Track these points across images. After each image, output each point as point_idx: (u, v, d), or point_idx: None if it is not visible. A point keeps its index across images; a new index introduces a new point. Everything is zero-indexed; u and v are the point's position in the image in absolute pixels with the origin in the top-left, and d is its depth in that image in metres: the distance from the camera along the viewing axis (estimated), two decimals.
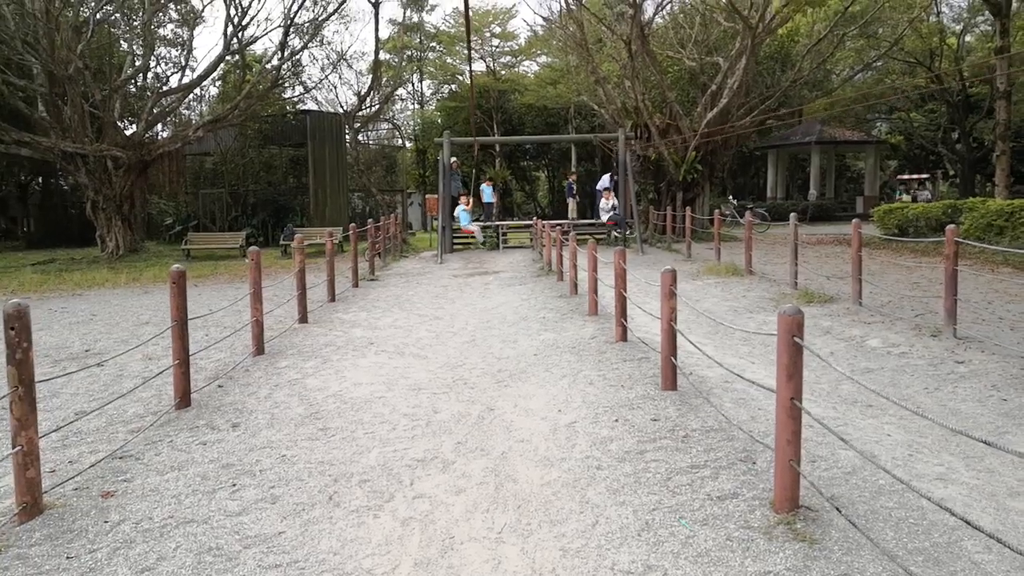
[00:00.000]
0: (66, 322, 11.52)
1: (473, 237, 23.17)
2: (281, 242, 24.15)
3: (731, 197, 26.56)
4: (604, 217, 22.98)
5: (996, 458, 4.85)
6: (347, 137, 32.28)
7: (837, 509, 3.85)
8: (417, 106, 48.80)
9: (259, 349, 8.61)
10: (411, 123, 48.02)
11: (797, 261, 12.90)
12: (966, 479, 4.57)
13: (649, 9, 35.02)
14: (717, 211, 19.17)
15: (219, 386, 7.21)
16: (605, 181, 24.75)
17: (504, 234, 24.64)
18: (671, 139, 23.68)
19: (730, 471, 4.62)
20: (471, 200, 23.64)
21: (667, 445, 5.16)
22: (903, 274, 13.87)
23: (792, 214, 13.59)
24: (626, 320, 8.68)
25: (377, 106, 34.46)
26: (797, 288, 12.34)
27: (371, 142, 40.99)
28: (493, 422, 5.87)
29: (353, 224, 17.06)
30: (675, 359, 6.46)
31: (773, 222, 25.13)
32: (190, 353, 6.66)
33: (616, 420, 5.76)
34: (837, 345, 8.53)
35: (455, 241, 24.13)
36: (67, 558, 3.79)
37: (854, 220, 11.09)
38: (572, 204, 28.05)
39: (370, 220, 19.57)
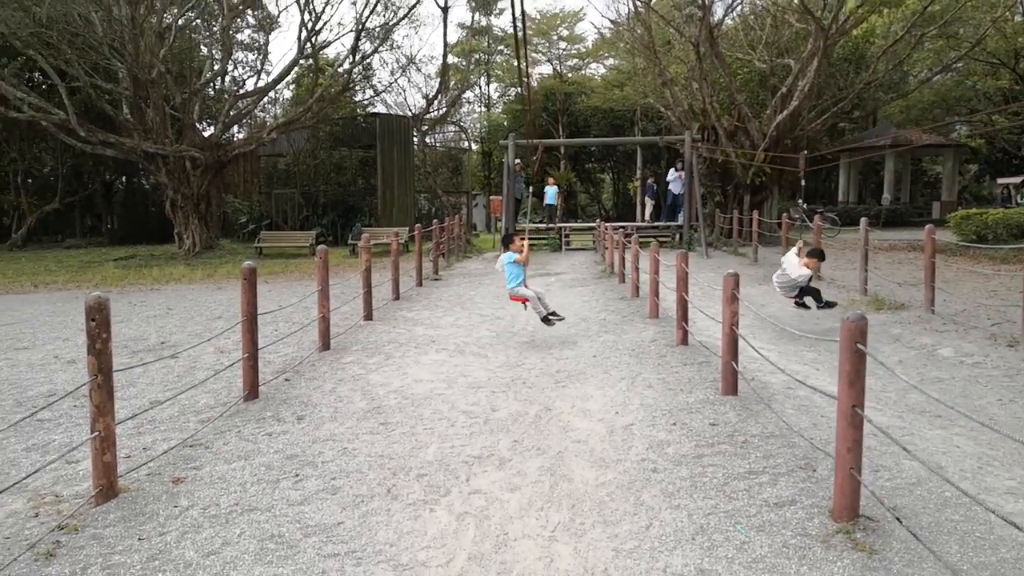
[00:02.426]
0: (144, 315, 12.01)
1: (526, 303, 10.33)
2: (349, 241, 24.65)
3: (801, 201, 25.97)
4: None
5: None
6: (414, 139, 32.74)
7: (898, 520, 3.76)
8: (483, 109, 49.14)
9: (325, 345, 8.83)
10: (477, 125, 48.40)
11: (867, 267, 12.55)
12: None
13: (719, 11, 34.48)
14: (785, 215, 18.78)
15: (286, 380, 7.43)
16: (671, 175, 24.54)
17: (567, 236, 24.63)
18: (739, 142, 23.30)
19: (789, 478, 4.56)
20: (525, 242, 10.42)
21: (725, 450, 5.11)
22: (980, 282, 13.35)
23: (863, 218, 13.23)
24: (687, 323, 8.60)
25: (444, 109, 34.86)
26: (867, 294, 12.01)
27: (438, 144, 41.49)
28: (550, 422, 5.90)
29: (418, 224, 17.31)
30: (736, 363, 6.38)
31: (844, 227, 24.47)
32: (259, 347, 6.88)
33: (674, 423, 5.73)
34: (907, 353, 8.28)
35: None
36: (138, 539, 3.98)
37: (927, 225, 10.74)
38: (650, 205, 27.12)
39: (435, 221, 19.82)
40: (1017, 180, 29.57)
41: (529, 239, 25.12)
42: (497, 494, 4.53)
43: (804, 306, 10.06)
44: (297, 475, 4.87)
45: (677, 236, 23.42)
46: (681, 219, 23.73)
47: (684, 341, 8.57)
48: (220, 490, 4.65)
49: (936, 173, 39.48)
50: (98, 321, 4.34)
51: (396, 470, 4.93)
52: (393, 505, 4.38)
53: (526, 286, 9.31)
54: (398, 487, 4.65)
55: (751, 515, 4.08)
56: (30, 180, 32.03)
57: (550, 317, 9.23)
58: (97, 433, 4.35)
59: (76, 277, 18.29)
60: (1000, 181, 32.83)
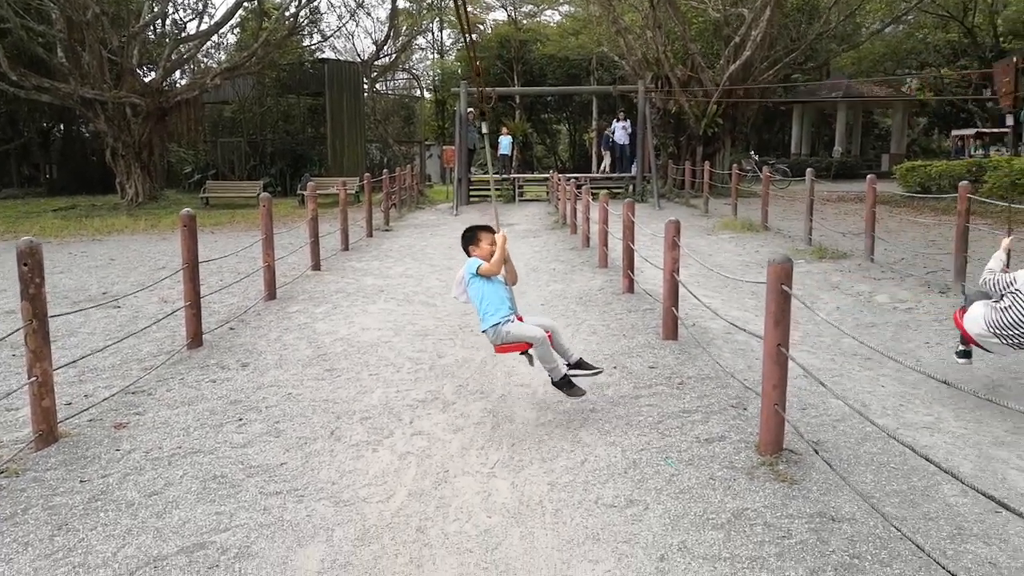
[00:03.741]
0: (85, 266, 11.75)
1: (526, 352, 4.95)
2: (298, 192, 24.27)
3: (752, 153, 26.23)
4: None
5: (986, 410, 4.91)
6: (364, 87, 32.12)
7: (816, 451, 3.96)
8: (437, 56, 48.31)
9: (271, 294, 8.78)
10: (430, 73, 47.61)
11: (812, 217, 12.83)
12: (953, 428, 4.65)
13: None
14: (735, 166, 19.01)
15: (231, 328, 7.40)
16: (615, 125, 24.64)
17: (521, 187, 24.60)
18: (692, 92, 23.37)
19: (720, 416, 4.74)
20: (499, 239, 4.88)
21: (662, 391, 5.27)
22: (920, 231, 13.77)
23: (808, 170, 13.48)
24: (633, 272, 8.74)
25: (394, 55, 34.19)
26: (811, 244, 12.30)
27: (389, 92, 40.77)
28: (495, 367, 6.00)
29: (368, 174, 17.12)
30: (676, 309, 6.54)
31: (796, 178, 24.86)
32: (202, 296, 6.83)
33: (615, 367, 5.88)
34: (844, 300, 8.55)
35: (472, 193, 24.14)
36: (80, 481, 3.99)
37: (869, 176, 10.99)
38: (607, 157, 26.94)
39: (386, 171, 19.62)
40: (971, 132, 30.20)
41: (481, 192, 24.97)
42: (440, 435, 4.63)
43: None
44: (241, 419, 4.90)
45: (630, 187, 23.55)
46: (634, 170, 23.85)
47: (630, 289, 8.72)
48: (163, 435, 4.66)
49: (887, 126, 40.10)
50: (30, 265, 4.27)
51: (340, 414, 4.99)
52: (336, 446, 4.45)
53: (520, 318, 4.77)
54: (341, 430, 4.71)
55: (682, 450, 4.25)
56: None
57: (577, 373, 4.84)
58: (34, 378, 4.31)
59: (13, 227, 17.74)
60: (954, 133, 33.44)
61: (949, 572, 2.88)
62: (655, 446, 4.32)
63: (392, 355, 6.41)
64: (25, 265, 4.28)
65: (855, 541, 3.29)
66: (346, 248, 13.01)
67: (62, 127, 34.56)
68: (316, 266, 10.82)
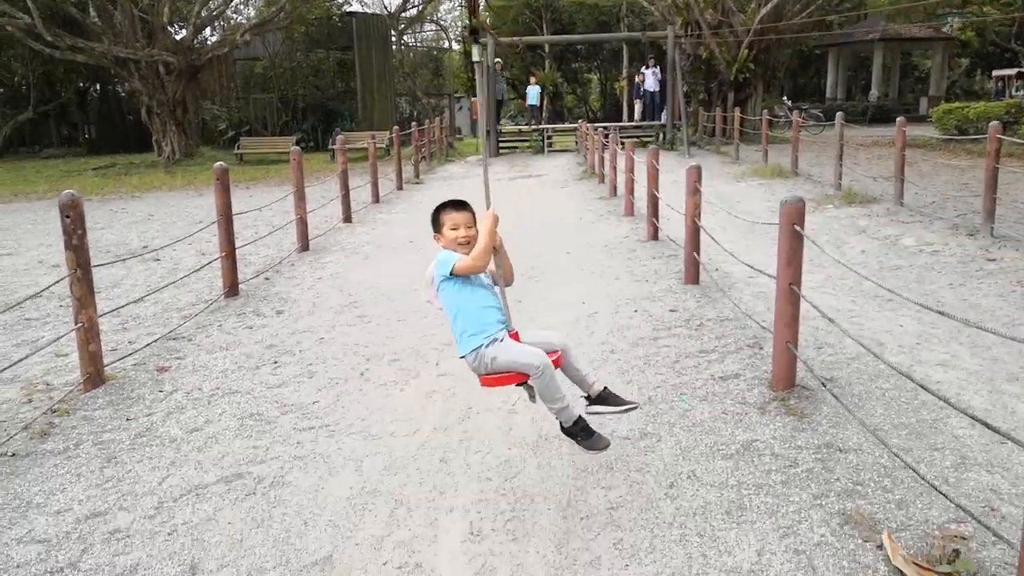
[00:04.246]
0: (125, 222, 12.10)
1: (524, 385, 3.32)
2: (330, 147, 24.45)
3: (785, 99, 25.73)
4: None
5: (1004, 348, 4.96)
6: (393, 40, 31.97)
7: (823, 385, 4.07)
8: (464, 6, 47.65)
9: (304, 246, 9.01)
10: (458, 24, 47.08)
11: (842, 162, 12.68)
12: (968, 365, 4.71)
13: None
14: (765, 112, 18.73)
15: (266, 279, 7.64)
16: (645, 72, 24.34)
17: (550, 138, 24.50)
18: (723, 37, 22.93)
19: (736, 355, 4.86)
20: (487, 224, 3.18)
21: (680, 333, 5.40)
22: (954, 175, 13.55)
23: (839, 114, 13.27)
24: (657, 220, 8.80)
25: (422, 6, 33.91)
26: (841, 189, 12.19)
27: (417, 44, 40.51)
28: (520, 313, 6.14)
29: (396, 127, 17.21)
30: (697, 254, 6.62)
31: (831, 124, 24.39)
32: (237, 247, 7.06)
33: (635, 311, 6.01)
34: (870, 244, 8.54)
35: (501, 145, 24.11)
36: (126, 420, 4.26)
37: (899, 119, 10.82)
38: (638, 106, 26.63)
39: (414, 124, 19.68)
40: (1012, 72, 29.23)
41: (510, 143, 24.86)
42: (463, 375, 4.78)
43: None
44: (275, 362, 5.14)
45: (660, 135, 23.34)
46: (664, 118, 23.59)
47: (654, 236, 8.79)
48: (202, 377, 4.92)
49: (926, 68, 38.96)
50: (72, 218, 4.49)
51: (369, 356, 5.21)
52: (365, 386, 4.67)
53: (516, 335, 3.31)
54: (371, 371, 4.93)
55: (696, 387, 4.39)
56: (1, 90, 31.30)
57: (601, 411, 3.47)
58: (81, 324, 4.57)
59: (56, 186, 18.21)
60: (995, 73, 32.39)
61: (947, 498, 3.01)
62: (671, 383, 4.47)
63: (420, 302, 6.57)
64: (67, 217, 4.51)
65: (859, 470, 3.42)
66: (376, 201, 13.19)
67: (98, 87, 35.02)
68: (347, 218, 11.03)
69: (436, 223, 3.23)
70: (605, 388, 3.43)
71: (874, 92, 30.42)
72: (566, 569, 2.79)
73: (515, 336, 3.21)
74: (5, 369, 4.77)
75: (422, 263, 8.30)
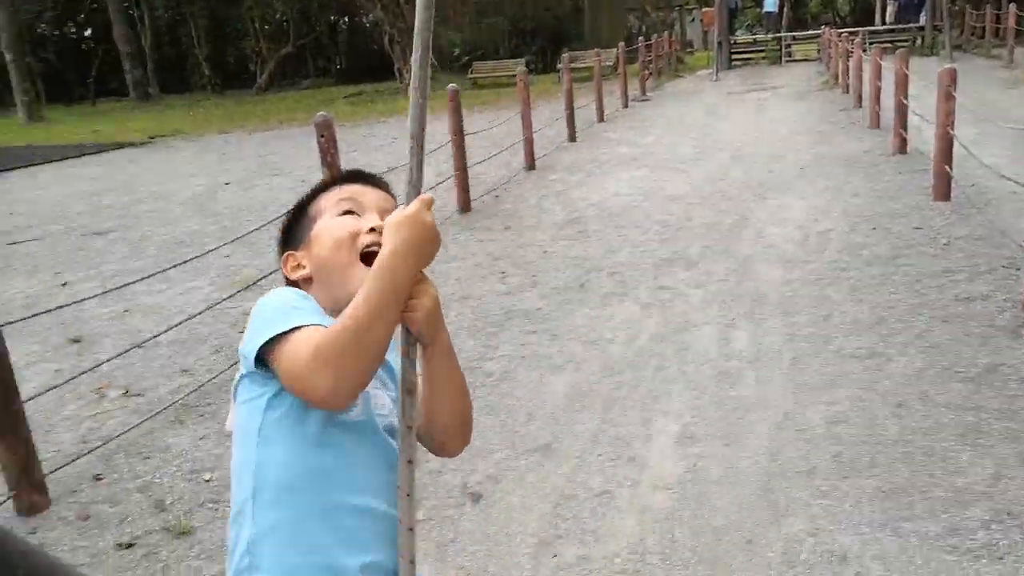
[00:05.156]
0: (374, 145, 13.12)
1: None
2: (558, 67, 24.58)
3: None
4: None
5: None
6: None
7: None
8: None
9: (530, 165, 9.30)
10: None
11: None
12: None
13: None
14: None
15: (495, 196, 8.03)
16: None
17: (788, 47, 22.89)
18: None
19: (988, 276, 4.44)
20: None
21: (924, 252, 5.01)
22: None
23: None
24: (906, 131, 8.04)
25: None
26: None
27: None
28: (745, 230, 6.01)
29: (622, 44, 16.91)
30: (950, 167, 6.01)
31: None
32: (469, 167, 7.46)
33: (874, 228, 5.63)
34: None
35: (734, 57, 22.92)
36: None
37: None
38: (891, 7, 24.04)
39: (640, 39, 19.21)
40: None
41: (744, 55, 23.34)
42: (683, 290, 4.84)
43: None
44: (503, 272, 5.46)
45: (917, 39, 20.94)
46: (923, 19, 21.10)
47: (902, 150, 8.06)
48: (438, 283, 5.29)
49: None
50: (326, 137, 5.00)
51: (590, 269, 5.37)
52: (586, 296, 4.85)
53: None
54: (591, 283, 5.09)
55: (937, 308, 4.09)
56: (266, 26, 34.54)
57: None
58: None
59: (312, 114, 20.04)
60: None
61: None
62: (908, 303, 4.20)
63: (641, 218, 6.63)
64: (322, 137, 5.02)
65: None
66: (601, 119, 13.19)
67: (346, 19, 37.60)
68: (572, 137, 11.17)
69: (300, 220, 1.23)
70: None
71: None
72: (779, 476, 2.80)
73: None
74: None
75: (646, 180, 8.35)
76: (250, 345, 1.03)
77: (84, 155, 14.81)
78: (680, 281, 4.99)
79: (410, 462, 1.03)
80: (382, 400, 1.13)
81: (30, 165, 13.83)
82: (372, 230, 1.13)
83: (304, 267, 1.17)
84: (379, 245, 1.02)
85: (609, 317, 4.48)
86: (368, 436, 1.09)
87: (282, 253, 1.21)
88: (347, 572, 1.04)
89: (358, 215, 1.17)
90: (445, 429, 1.16)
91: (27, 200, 10.33)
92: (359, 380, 0.98)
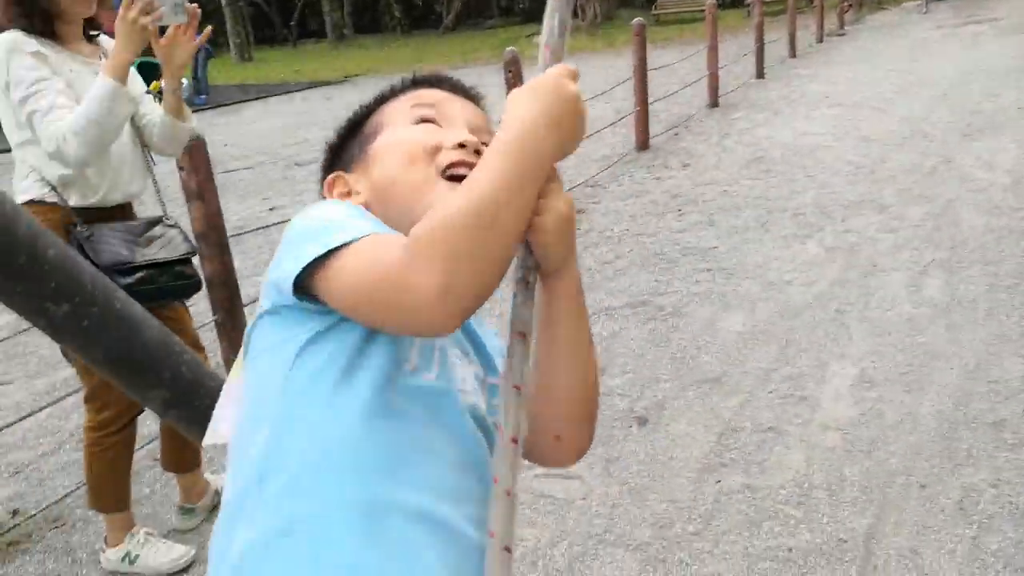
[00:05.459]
0: None
1: None
2: (745, 3, 23.33)
3: None
4: None
5: None
6: None
7: None
8: None
9: (714, 102, 9.03)
10: None
11: None
12: None
13: None
14: None
15: (675, 134, 7.90)
16: None
17: None
18: None
19: None
20: None
21: None
22: None
23: None
24: None
25: None
26: None
27: None
28: (947, 173, 5.59)
29: None
30: None
31: None
32: (650, 103, 7.36)
33: None
34: None
35: None
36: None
37: None
38: None
39: None
40: None
41: None
42: (871, 234, 4.61)
43: None
44: (679, 210, 5.43)
45: None
46: None
47: None
48: (613, 220, 5.41)
49: None
50: (513, 72, 5.14)
51: (772, 209, 5.22)
52: (765, 237, 4.74)
53: None
54: (772, 223, 4.96)
55: None
56: None
57: None
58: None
59: (496, 52, 20.35)
60: None
61: None
62: None
63: (831, 159, 6.31)
64: (509, 72, 5.17)
65: None
66: (793, 55, 12.48)
67: None
68: (760, 74, 10.69)
69: (355, 134, 0.97)
70: None
71: None
72: (963, 425, 2.69)
73: None
74: None
75: (839, 119, 7.88)
76: (290, 264, 0.74)
77: (288, 93, 15.96)
78: (870, 224, 4.75)
79: (515, 440, 0.73)
80: (464, 373, 0.83)
81: (241, 102, 15.11)
82: (461, 146, 0.85)
83: (358, 192, 0.89)
84: (469, 167, 0.79)
85: (790, 259, 4.36)
86: (445, 412, 0.78)
87: (328, 170, 0.96)
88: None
89: (439, 126, 0.89)
90: (564, 413, 0.84)
91: (239, 133, 11.34)
92: (479, 284, 0.66)
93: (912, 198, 5.15)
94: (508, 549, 0.71)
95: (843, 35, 15.00)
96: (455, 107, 0.92)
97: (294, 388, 0.74)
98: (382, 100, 0.96)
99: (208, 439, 0.88)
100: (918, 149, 6.32)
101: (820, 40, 14.04)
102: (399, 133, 0.89)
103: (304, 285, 0.73)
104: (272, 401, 0.75)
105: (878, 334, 3.42)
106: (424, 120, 0.89)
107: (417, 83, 0.96)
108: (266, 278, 0.80)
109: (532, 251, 0.75)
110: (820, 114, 8.06)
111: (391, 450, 0.73)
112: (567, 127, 0.73)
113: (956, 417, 2.74)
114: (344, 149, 0.96)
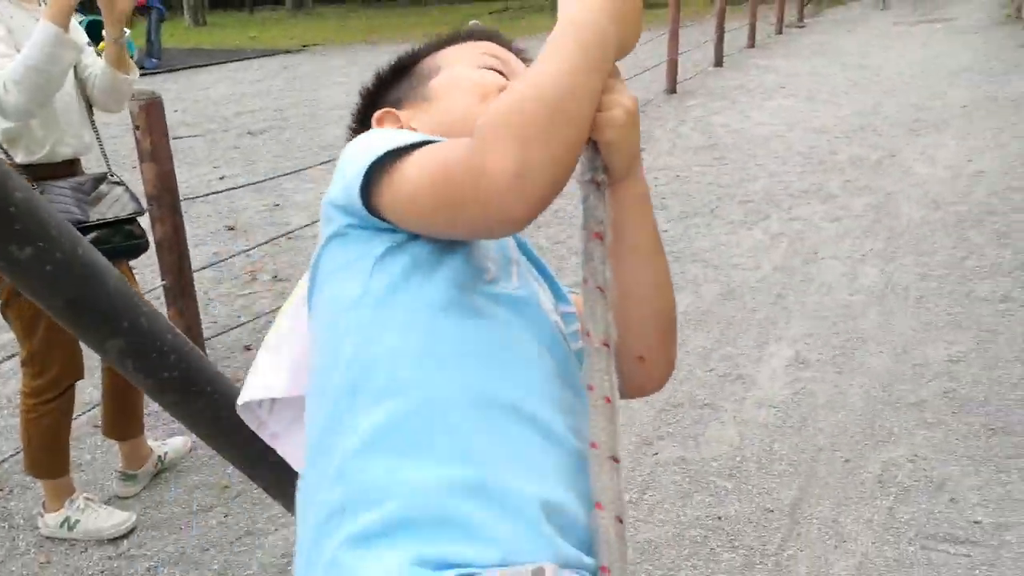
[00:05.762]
0: None
1: None
2: None
3: None
4: None
5: None
6: None
7: None
8: None
9: (671, 88, 9.14)
10: None
11: None
12: None
13: None
14: None
15: None
16: None
17: None
18: None
19: None
20: None
21: None
22: None
23: None
24: None
25: None
26: None
27: None
28: (891, 167, 5.78)
29: None
30: None
31: None
32: None
33: None
34: None
35: None
36: None
37: None
38: None
39: None
40: None
41: None
42: (816, 222, 4.77)
43: None
44: None
45: None
46: None
47: None
48: (566, 200, 5.45)
49: None
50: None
51: (721, 196, 5.35)
52: (714, 222, 4.86)
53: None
54: (721, 209, 5.09)
55: None
56: None
57: None
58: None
59: (456, 28, 20.22)
60: None
61: None
62: None
63: (782, 149, 6.47)
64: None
65: None
66: (752, 45, 12.65)
67: None
68: (718, 62, 10.83)
69: (406, 74, 0.99)
70: None
71: None
72: (887, 405, 2.84)
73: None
74: None
75: (792, 110, 8.05)
76: (353, 176, 0.73)
77: (243, 60, 15.65)
78: (814, 214, 4.91)
79: (606, 344, 0.70)
80: (542, 293, 0.82)
81: (194, 67, 14.79)
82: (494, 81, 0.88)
83: (412, 128, 0.87)
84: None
85: (736, 244, 4.49)
86: (533, 321, 0.76)
87: (365, 116, 0.95)
88: (523, 502, 0.65)
89: (481, 62, 0.91)
90: (644, 326, 0.82)
91: (191, 99, 11.11)
92: (552, 169, 0.62)
93: (856, 189, 5.33)
94: (615, 459, 0.68)
95: (802, 27, 15.24)
96: (518, 66, 0.94)
97: (375, 295, 0.72)
98: (436, 47, 0.98)
99: (244, 396, 0.91)
100: (866, 142, 6.51)
101: (779, 32, 14.25)
102: (470, 73, 0.90)
103: (369, 205, 0.72)
104: (353, 313, 0.73)
105: (815, 318, 3.57)
106: (491, 69, 0.91)
107: (479, 35, 0.98)
108: (332, 190, 0.77)
109: (599, 151, 0.74)
110: (775, 104, 8.23)
111: (487, 348, 0.71)
112: (631, 22, 0.75)
113: (881, 397, 2.89)
114: (388, 91, 0.97)
